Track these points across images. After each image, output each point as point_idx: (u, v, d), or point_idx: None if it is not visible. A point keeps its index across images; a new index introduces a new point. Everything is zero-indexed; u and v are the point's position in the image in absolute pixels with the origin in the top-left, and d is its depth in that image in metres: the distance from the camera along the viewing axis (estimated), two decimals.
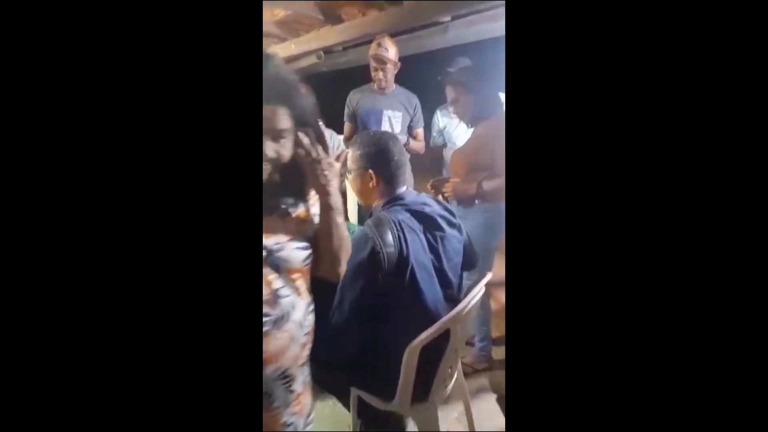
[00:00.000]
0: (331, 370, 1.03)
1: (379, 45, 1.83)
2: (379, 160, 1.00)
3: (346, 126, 2.02)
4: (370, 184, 1.02)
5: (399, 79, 1.98)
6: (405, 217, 0.96)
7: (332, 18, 2.12)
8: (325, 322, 0.92)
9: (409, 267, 0.93)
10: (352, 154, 1.05)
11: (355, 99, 1.98)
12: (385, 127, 1.95)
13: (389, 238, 0.91)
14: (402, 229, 0.93)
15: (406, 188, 1.06)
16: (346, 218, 2.11)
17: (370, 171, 1.01)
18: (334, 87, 2.25)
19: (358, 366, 1.00)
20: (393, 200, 1.01)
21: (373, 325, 0.94)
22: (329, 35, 2.19)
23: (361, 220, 2.07)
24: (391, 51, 1.84)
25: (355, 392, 1.08)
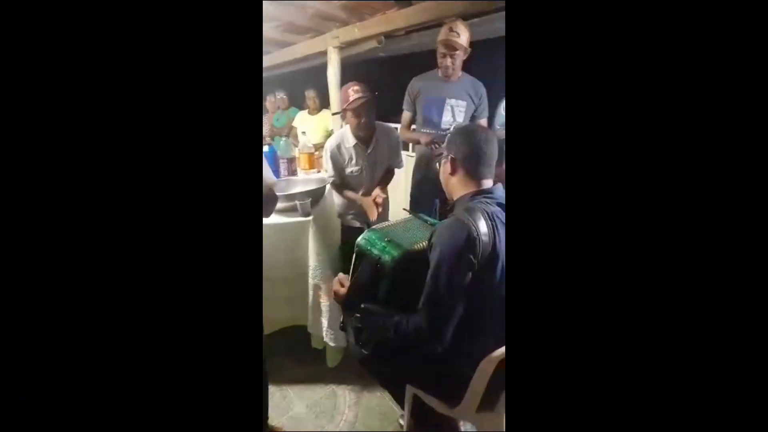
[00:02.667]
0: (395, 364, 0.97)
1: (451, 29, 1.69)
2: (471, 154, 0.95)
3: (405, 115, 1.91)
4: (458, 176, 0.97)
5: (466, 66, 1.82)
6: (496, 210, 0.90)
7: (401, 2, 2.04)
8: (405, 313, 0.87)
9: (500, 263, 0.86)
10: (446, 145, 1.01)
11: (416, 87, 1.85)
12: (447, 117, 1.84)
13: (483, 226, 0.85)
14: (494, 220, 0.87)
15: (496, 183, 1.00)
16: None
17: (460, 162, 0.97)
18: (393, 73, 2.17)
19: (428, 366, 0.95)
20: (481, 193, 0.95)
21: (457, 327, 0.87)
22: (396, 19, 2.11)
23: (414, 209, 1.97)
24: (463, 36, 1.70)
25: (411, 390, 1.03)
